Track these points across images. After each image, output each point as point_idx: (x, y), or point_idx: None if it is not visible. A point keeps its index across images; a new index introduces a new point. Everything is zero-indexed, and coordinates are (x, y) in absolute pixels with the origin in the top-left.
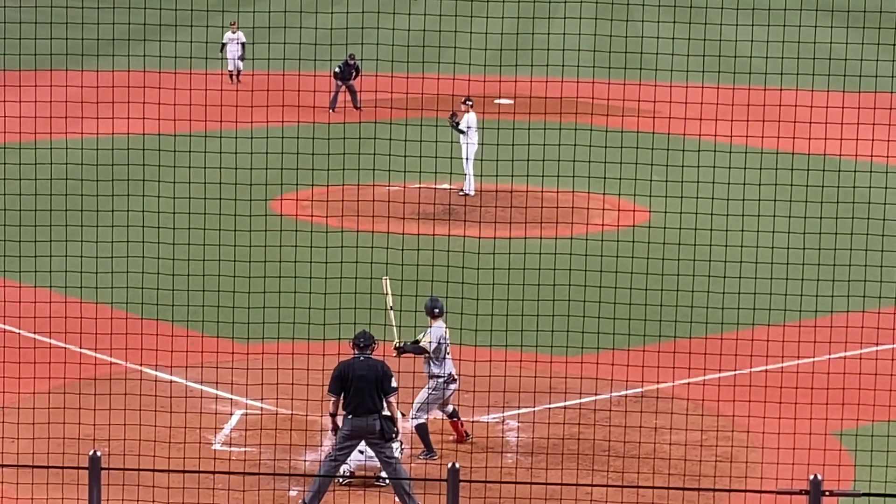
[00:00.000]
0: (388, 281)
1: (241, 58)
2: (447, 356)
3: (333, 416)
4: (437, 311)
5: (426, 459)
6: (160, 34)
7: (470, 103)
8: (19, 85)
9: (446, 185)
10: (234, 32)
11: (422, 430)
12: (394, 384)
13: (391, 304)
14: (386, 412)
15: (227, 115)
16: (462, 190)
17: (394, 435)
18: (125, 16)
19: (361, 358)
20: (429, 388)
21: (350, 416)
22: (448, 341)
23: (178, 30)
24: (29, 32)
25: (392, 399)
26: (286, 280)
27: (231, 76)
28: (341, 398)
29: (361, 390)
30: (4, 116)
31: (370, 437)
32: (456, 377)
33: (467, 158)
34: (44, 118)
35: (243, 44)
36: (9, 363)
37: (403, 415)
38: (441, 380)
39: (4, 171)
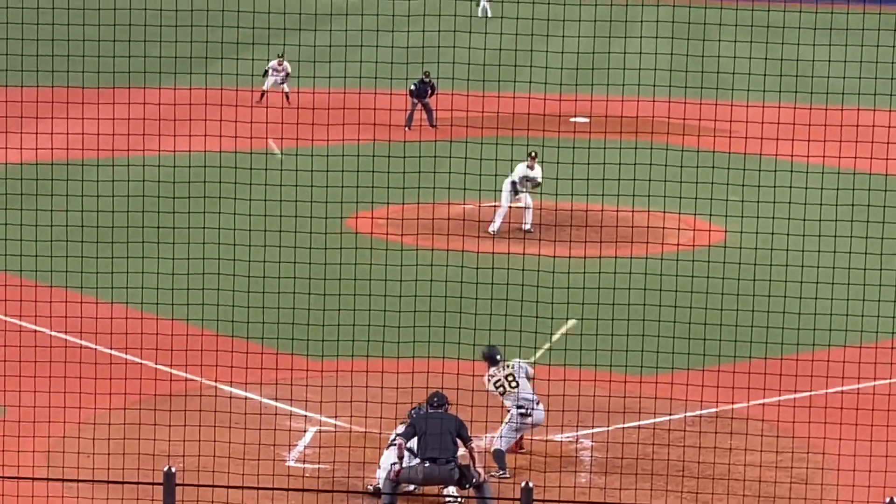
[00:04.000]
0: (571, 323)
1: (284, 81)
2: (516, 390)
3: (400, 459)
4: (493, 358)
5: (499, 478)
6: (237, 52)
7: (534, 155)
8: (97, 102)
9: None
10: (279, 65)
11: (499, 456)
12: (471, 434)
13: (552, 343)
14: (462, 462)
15: (303, 133)
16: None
17: (474, 480)
18: (202, 34)
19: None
20: (507, 421)
21: (426, 464)
22: (510, 377)
23: (255, 48)
24: (107, 50)
25: (473, 446)
26: (361, 297)
27: (262, 95)
28: (413, 444)
29: (436, 436)
30: (83, 133)
31: (447, 484)
32: (531, 409)
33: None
34: (121, 135)
35: (287, 73)
36: (85, 379)
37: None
38: (516, 411)
39: (82, 188)
